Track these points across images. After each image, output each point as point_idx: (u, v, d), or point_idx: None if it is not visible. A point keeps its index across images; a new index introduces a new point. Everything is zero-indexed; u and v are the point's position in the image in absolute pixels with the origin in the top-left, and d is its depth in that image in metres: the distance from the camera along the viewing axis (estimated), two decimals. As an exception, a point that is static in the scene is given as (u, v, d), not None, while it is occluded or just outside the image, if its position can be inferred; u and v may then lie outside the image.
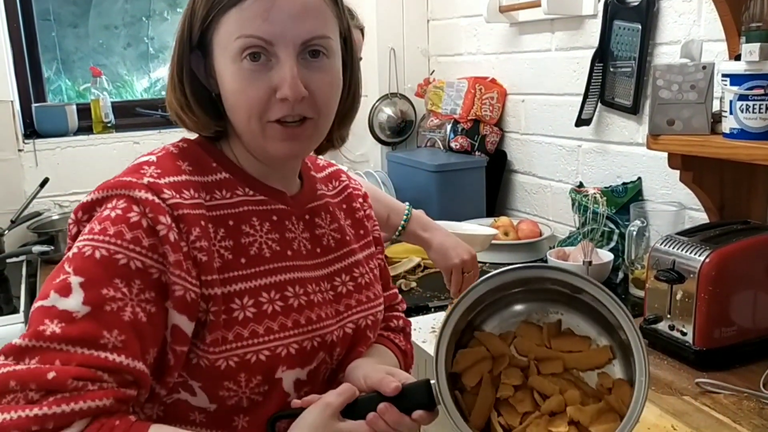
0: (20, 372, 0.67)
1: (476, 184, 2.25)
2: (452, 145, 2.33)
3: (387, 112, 2.64)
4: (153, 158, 0.83)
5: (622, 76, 1.78)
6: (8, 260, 2.16)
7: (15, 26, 2.38)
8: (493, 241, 1.98)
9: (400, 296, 1.12)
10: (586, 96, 1.87)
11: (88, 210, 0.79)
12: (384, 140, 2.67)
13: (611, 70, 1.81)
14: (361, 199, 1.04)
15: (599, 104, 1.87)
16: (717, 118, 1.31)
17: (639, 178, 1.79)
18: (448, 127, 2.37)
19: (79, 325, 0.70)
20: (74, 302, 0.71)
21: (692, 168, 1.38)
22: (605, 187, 1.82)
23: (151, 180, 0.78)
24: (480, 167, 2.25)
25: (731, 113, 1.23)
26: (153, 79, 2.83)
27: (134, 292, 0.74)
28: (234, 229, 0.84)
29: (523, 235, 2.01)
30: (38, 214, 2.26)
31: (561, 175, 2.09)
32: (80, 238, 0.76)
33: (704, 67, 1.31)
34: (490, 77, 2.32)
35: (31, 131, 2.40)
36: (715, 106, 1.34)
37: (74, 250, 0.75)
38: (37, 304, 0.72)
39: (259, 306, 0.82)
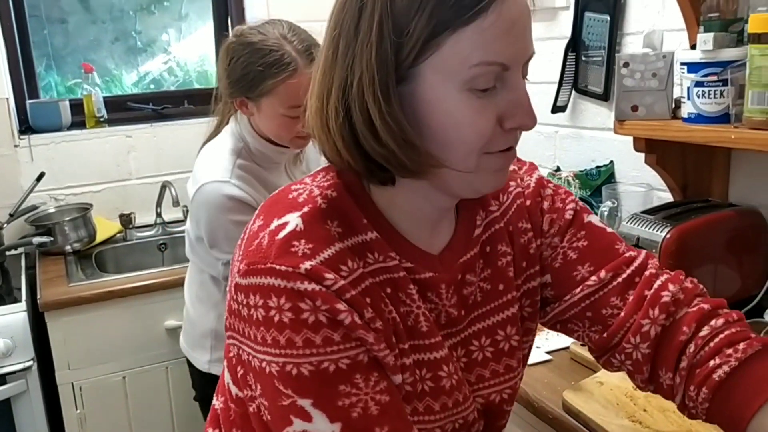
0: None
1: (459, 171, 2.33)
2: (435, 133, 2.41)
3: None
4: (299, 225, 0.69)
5: (593, 65, 1.87)
6: (8, 252, 2.23)
7: (8, 24, 2.44)
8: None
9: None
10: (560, 84, 1.95)
11: (247, 294, 0.69)
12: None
13: (583, 59, 1.90)
14: (529, 201, 0.87)
15: (573, 92, 1.96)
16: (678, 104, 1.40)
17: (611, 162, 1.88)
18: (431, 115, 2.45)
19: None
20: (323, 425, 0.66)
21: (655, 151, 1.47)
22: (580, 171, 1.91)
23: (309, 265, 0.67)
24: (462, 154, 2.33)
25: (689, 99, 1.31)
26: (141, 73, 2.88)
27: (362, 386, 0.68)
28: (393, 297, 0.73)
29: (504, 218, 2.10)
30: (35, 207, 2.33)
31: (540, 160, 2.18)
32: (270, 350, 0.67)
33: (664, 56, 1.39)
34: (470, 67, 2.40)
35: (25, 127, 2.46)
36: (678, 92, 1.43)
37: (276, 367, 0.67)
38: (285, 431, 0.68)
39: (413, 384, 0.74)
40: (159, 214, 2.48)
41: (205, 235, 1.47)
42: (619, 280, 0.84)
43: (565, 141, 2.05)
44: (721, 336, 0.78)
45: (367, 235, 0.73)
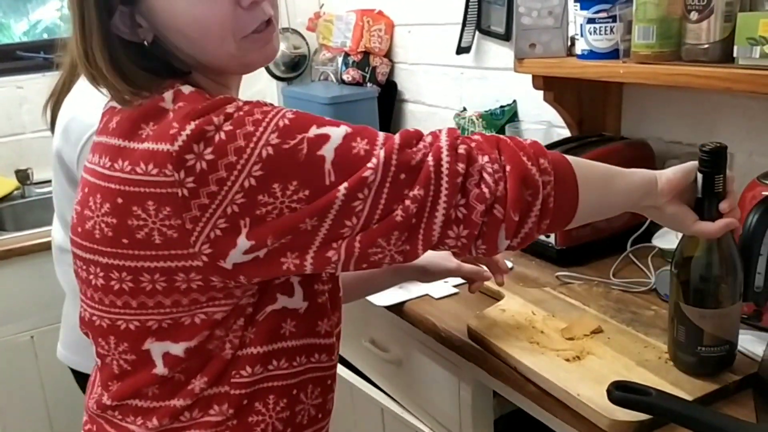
0: None
1: (369, 115, 2.34)
2: (344, 77, 2.40)
3: (280, 47, 2.66)
4: (190, 89, 0.76)
5: (495, 5, 1.89)
6: None
7: None
8: (386, 168, 2.09)
9: None
10: (464, 25, 1.97)
11: (204, 137, 0.70)
12: (279, 76, 2.70)
13: (486, -1, 1.92)
14: None
15: (477, 32, 1.98)
16: (573, 41, 1.45)
17: (514, 101, 1.93)
18: (340, 60, 2.43)
19: None
20: (336, 130, 0.75)
21: (553, 88, 1.52)
22: (485, 111, 1.95)
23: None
24: (372, 98, 2.33)
25: (582, 36, 1.36)
26: (32, 21, 2.71)
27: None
28: None
29: (414, 160, 2.13)
30: None
31: (447, 102, 2.21)
32: (265, 122, 0.72)
33: (559, -6, 1.43)
34: (377, 9, 2.39)
35: None
36: (573, 30, 1.47)
37: (279, 127, 0.72)
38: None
39: None
40: (59, 169, 2.37)
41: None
42: None
43: (471, 82, 2.09)
44: None
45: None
